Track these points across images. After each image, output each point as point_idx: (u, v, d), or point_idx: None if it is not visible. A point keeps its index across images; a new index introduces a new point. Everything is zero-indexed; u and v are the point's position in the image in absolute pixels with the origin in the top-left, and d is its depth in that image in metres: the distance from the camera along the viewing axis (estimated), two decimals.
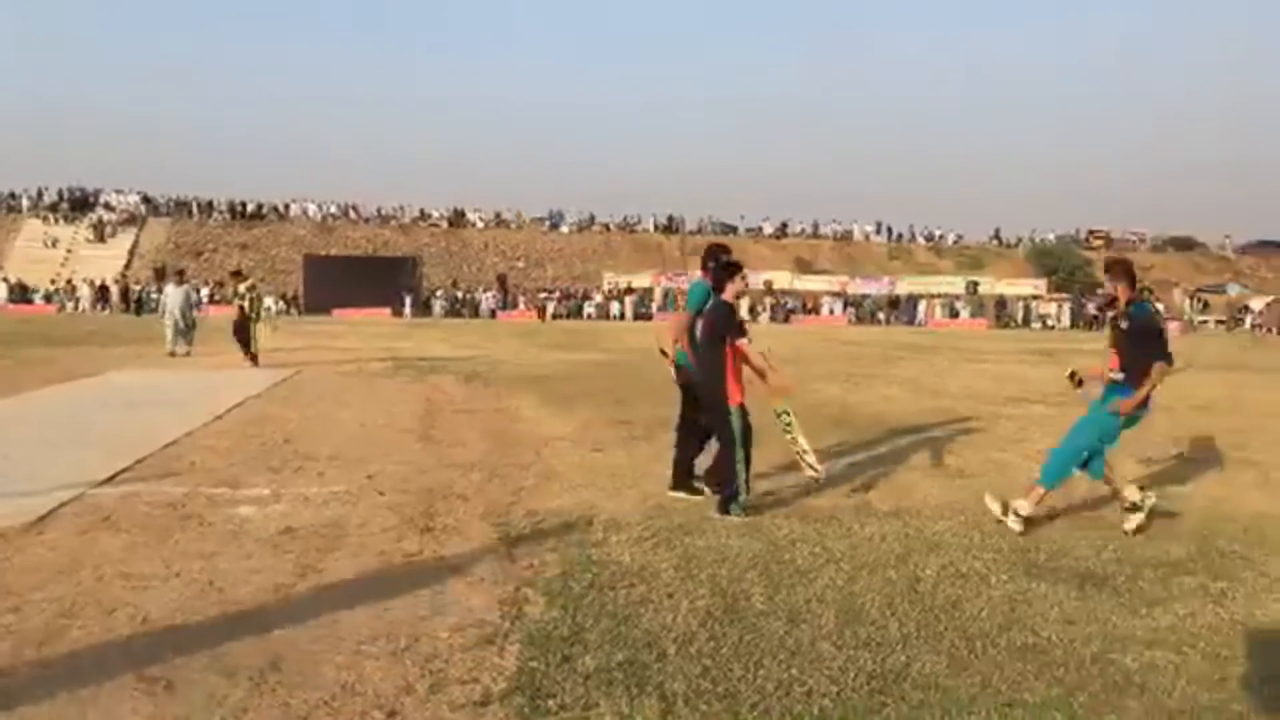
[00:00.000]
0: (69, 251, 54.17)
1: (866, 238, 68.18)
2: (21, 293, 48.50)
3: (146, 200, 60.32)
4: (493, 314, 51.84)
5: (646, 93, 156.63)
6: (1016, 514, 5.80)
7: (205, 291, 43.99)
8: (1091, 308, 50.34)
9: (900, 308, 56.46)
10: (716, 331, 6.17)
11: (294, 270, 53.40)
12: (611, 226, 66.30)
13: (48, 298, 48.90)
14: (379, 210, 63.67)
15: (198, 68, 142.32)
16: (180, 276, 21.63)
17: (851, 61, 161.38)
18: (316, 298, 49.71)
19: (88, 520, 5.77)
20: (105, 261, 53.13)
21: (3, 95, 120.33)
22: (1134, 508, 5.95)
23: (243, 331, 17.17)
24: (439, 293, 53.87)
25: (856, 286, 59.39)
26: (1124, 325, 5.95)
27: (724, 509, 6.13)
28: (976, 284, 59.43)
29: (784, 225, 67.10)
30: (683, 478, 6.78)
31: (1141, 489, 6.14)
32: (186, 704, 3.31)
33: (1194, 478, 7.94)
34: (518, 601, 4.44)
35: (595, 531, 5.74)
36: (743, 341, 6.13)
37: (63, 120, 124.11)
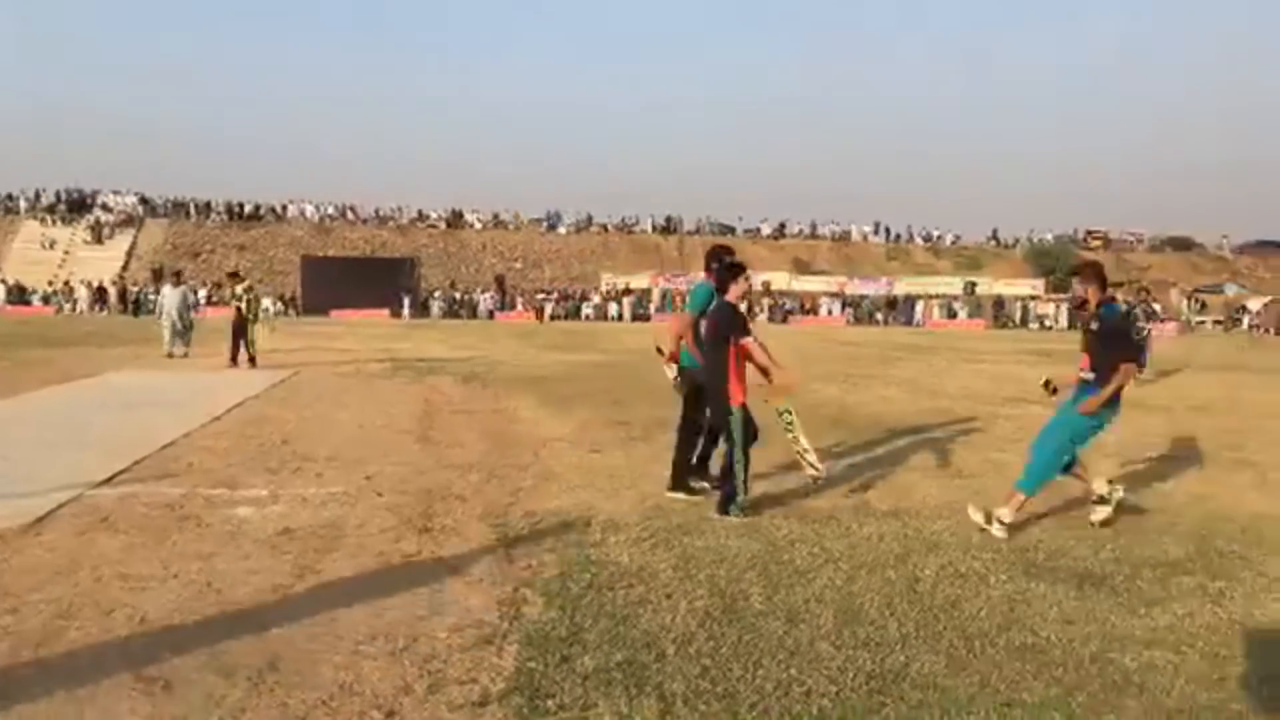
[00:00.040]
0: (66, 253, 54.10)
1: (864, 238, 68.21)
2: (19, 294, 48.47)
3: (144, 201, 60.28)
4: (491, 315, 51.82)
5: (646, 93, 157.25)
6: (1000, 522, 5.82)
7: (203, 293, 43.96)
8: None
9: (898, 308, 56.48)
10: (721, 332, 6.18)
11: (292, 271, 53.37)
12: (609, 227, 66.31)
13: (45, 299, 48.83)
14: (377, 211, 63.66)
15: (198, 68, 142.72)
16: (177, 278, 21.62)
17: (852, 61, 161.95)
18: (314, 299, 49.68)
19: (86, 521, 5.76)
20: (103, 263, 53.08)
21: (2, 95, 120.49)
22: (1101, 500, 6.05)
23: (239, 333, 17.18)
24: (437, 294, 53.84)
25: (854, 287, 59.40)
26: (1094, 326, 6.03)
27: (723, 509, 6.13)
28: (974, 284, 59.47)
29: (782, 226, 67.13)
30: (681, 478, 6.78)
31: (1110, 483, 6.18)
32: (184, 704, 3.31)
33: (1192, 478, 7.94)
34: (516, 602, 4.44)
35: (593, 532, 5.73)
36: (748, 340, 6.14)
37: (62, 120, 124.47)
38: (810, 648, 3.92)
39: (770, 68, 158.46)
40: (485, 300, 53.46)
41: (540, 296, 53.77)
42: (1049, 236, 68.46)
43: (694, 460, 6.90)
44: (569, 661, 3.71)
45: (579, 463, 8.06)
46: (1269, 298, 55.07)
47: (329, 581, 4.75)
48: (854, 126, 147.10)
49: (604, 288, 56.37)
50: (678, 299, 51.49)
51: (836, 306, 56.47)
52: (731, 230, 65.39)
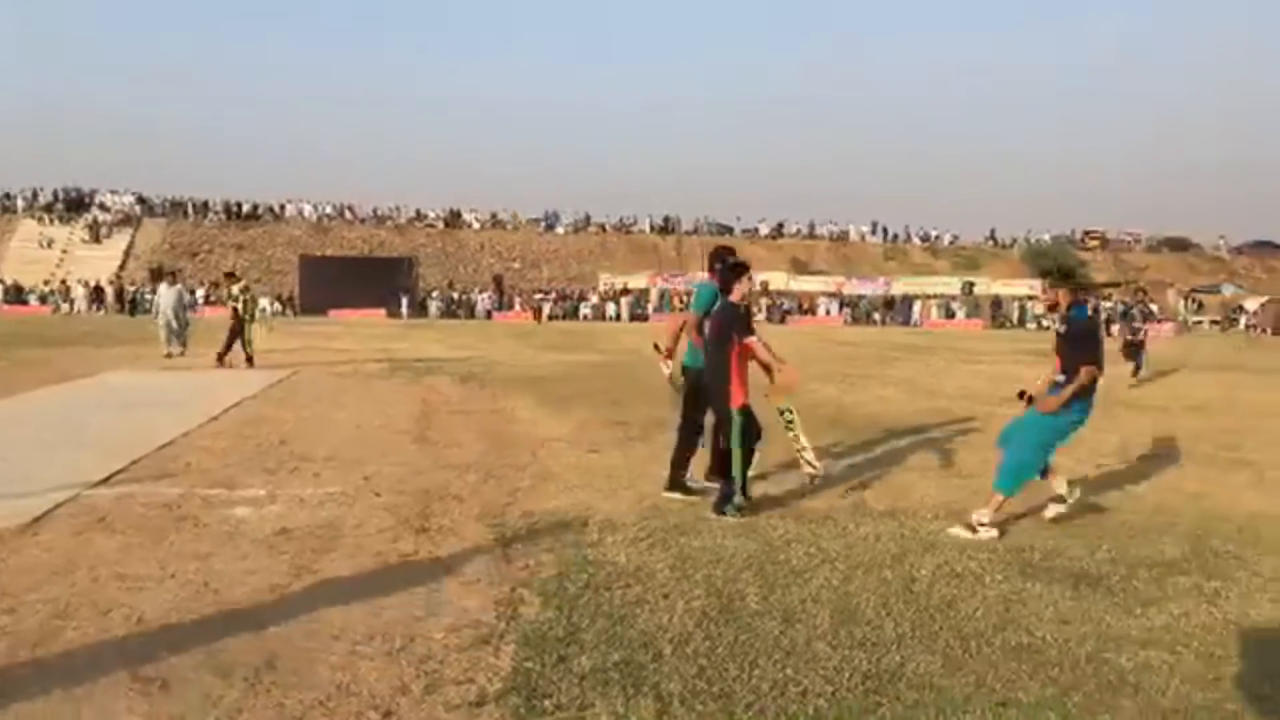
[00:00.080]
0: (64, 252, 54.04)
1: (862, 238, 68.23)
2: (16, 293, 48.41)
3: (141, 201, 60.22)
4: (489, 315, 51.78)
5: (646, 93, 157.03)
6: (981, 524, 5.85)
7: (200, 292, 43.94)
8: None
9: (896, 308, 56.48)
10: (724, 331, 6.19)
11: (290, 271, 53.31)
12: (608, 227, 66.30)
13: (42, 299, 48.75)
14: (375, 211, 63.63)
15: (198, 68, 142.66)
16: (173, 277, 21.54)
17: (851, 62, 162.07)
18: (312, 298, 49.60)
19: (83, 521, 5.76)
20: (100, 262, 53.01)
21: (2, 95, 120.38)
22: (1059, 499, 6.13)
23: (233, 337, 17.19)
24: (435, 293, 53.80)
25: (852, 287, 59.38)
26: (1062, 329, 6.13)
27: (719, 509, 6.14)
28: (972, 284, 59.46)
29: (780, 226, 67.15)
30: (679, 478, 6.79)
31: (1070, 483, 6.24)
32: (181, 704, 3.31)
33: (1188, 477, 7.95)
34: (513, 602, 4.44)
35: (591, 532, 5.74)
36: (751, 339, 6.17)
37: (62, 120, 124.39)
38: (806, 648, 3.93)
39: (770, 68, 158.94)
40: (483, 300, 53.42)
41: (538, 296, 53.74)
42: (1046, 237, 68.47)
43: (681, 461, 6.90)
44: (566, 661, 3.72)
45: (577, 463, 8.07)
46: (1266, 298, 55.09)
47: (326, 581, 4.75)
48: (853, 127, 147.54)
49: (602, 288, 56.35)
50: (675, 299, 51.55)
51: (834, 306, 56.46)
52: (729, 230, 65.41)
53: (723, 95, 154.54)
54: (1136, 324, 17.42)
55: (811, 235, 67.48)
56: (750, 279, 6.47)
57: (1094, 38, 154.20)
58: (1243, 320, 53.41)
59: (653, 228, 66.23)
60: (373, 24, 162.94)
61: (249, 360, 16.95)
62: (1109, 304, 51.31)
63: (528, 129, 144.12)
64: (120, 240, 56.37)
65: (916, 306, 56.31)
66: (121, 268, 53.46)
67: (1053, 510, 6.15)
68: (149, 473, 7.27)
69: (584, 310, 53.69)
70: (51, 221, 56.81)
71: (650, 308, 53.21)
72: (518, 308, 53.11)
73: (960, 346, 29.12)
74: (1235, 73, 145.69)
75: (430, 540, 5.55)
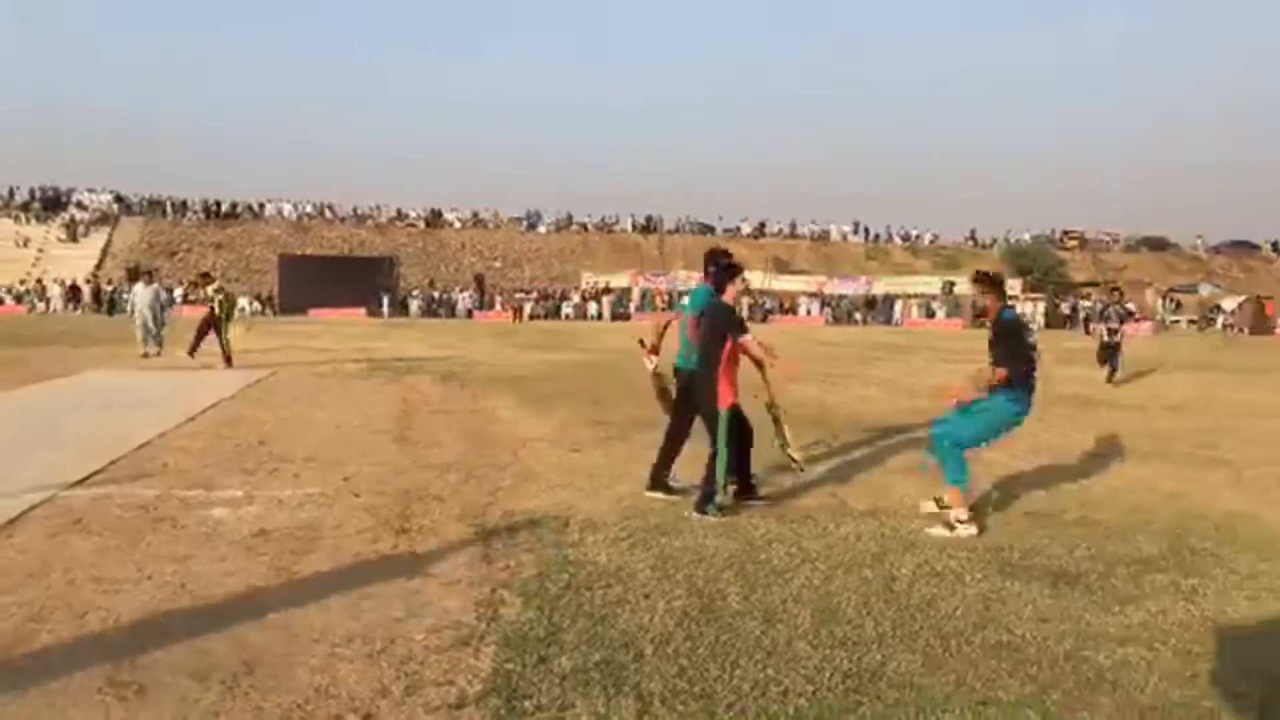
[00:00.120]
0: (40, 251, 53.57)
1: (844, 238, 68.50)
2: None
3: (119, 199, 59.74)
4: (469, 314, 51.68)
5: (647, 93, 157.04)
6: (959, 521, 5.90)
7: (179, 292, 43.61)
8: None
9: (877, 308, 56.67)
10: (718, 331, 6.22)
11: (269, 270, 53.02)
12: (589, 226, 66.30)
13: (18, 298, 48.24)
14: (355, 210, 63.37)
15: (197, 68, 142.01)
16: (150, 276, 21.36)
17: (851, 62, 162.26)
18: (292, 298, 49.34)
19: (59, 523, 5.70)
20: (77, 261, 52.51)
21: (2, 95, 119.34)
22: (939, 501, 6.21)
23: (203, 332, 17.15)
24: (416, 293, 53.65)
25: (834, 286, 59.52)
26: (991, 332, 6.25)
27: (701, 508, 6.14)
28: (953, 284, 59.60)
29: (762, 225, 67.31)
30: (661, 478, 6.79)
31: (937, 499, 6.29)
32: (158, 708, 3.28)
33: (1166, 476, 8.00)
34: (494, 603, 4.43)
35: (572, 532, 5.73)
36: (746, 338, 6.20)
37: (60, 120, 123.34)
38: (787, 647, 3.93)
39: (770, 68, 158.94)
40: (464, 299, 53.30)
41: (519, 296, 53.64)
42: (1026, 237, 68.88)
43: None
44: (546, 662, 3.71)
45: (558, 462, 8.05)
46: (1243, 297, 55.60)
47: (305, 583, 4.72)
48: (853, 127, 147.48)
49: (584, 287, 56.31)
50: (657, 298, 51.62)
51: (815, 306, 56.60)
52: (711, 230, 65.52)
53: (723, 95, 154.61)
54: (1113, 324, 17.42)
55: (793, 235, 67.68)
56: (744, 280, 6.60)
57: (1094, 38, 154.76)
58: (1220, 320, 53.89)
59: (635, 227, 66.29)
60: (373, 24, 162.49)
61: (227, 360, 16.82)
62: (1087, 303, 51.79)
63: (527, 129, 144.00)
64: (97, 239, 55.92)
65: (898, 306, 56.52)
66: (98, 267, 53.00)
67: (929, 507, 6.24)
68: (126, 473, 7.20)
69: (566, 309, 53.63)
70: (28, 220, 56.33)
71: (632, 307, 53.21)
72: (499, 307, 53.00)
73: (941, 346, 29.22)
74: (1235, 73, 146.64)
75: (410, 541, 5.52)
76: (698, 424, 6.54)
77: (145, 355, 18.44)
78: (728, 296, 6.36)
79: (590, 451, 8.59)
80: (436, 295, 53.66)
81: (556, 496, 6.73)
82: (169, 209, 59.74)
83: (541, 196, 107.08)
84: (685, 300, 6.95)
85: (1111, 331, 17.32)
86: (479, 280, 55.78)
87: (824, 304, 56.94)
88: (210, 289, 17.63)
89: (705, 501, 6.16)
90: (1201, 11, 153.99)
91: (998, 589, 4.79)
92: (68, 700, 3.32)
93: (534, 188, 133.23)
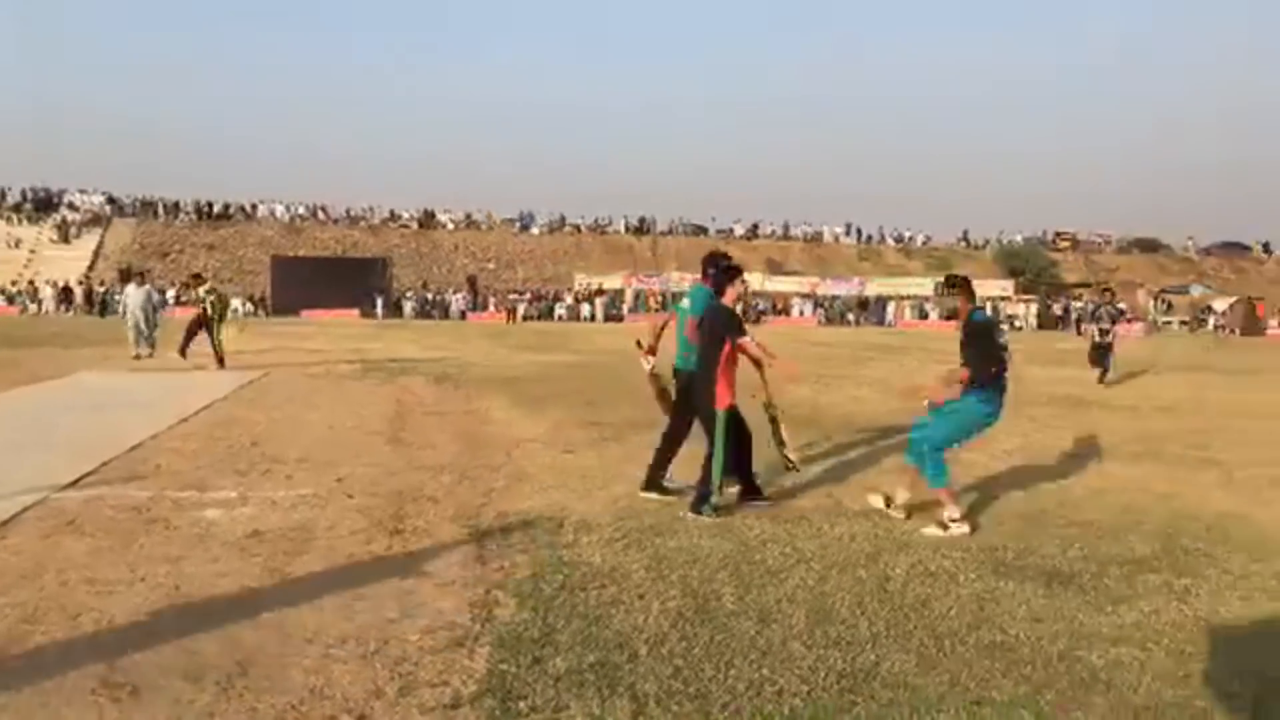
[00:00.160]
0: (32, 252, 53.35)
1: (836, 239, 68.59)
2: None
3: (111, 201, 59.58)
4: (463, 315, 51.63)
5: (647, 93, 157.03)
6: (952, 520, 5.92)
7: (170, 293, 43.49)
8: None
9: (869, 309, 56.81)
10: (717, 332, 6.22)
11: (262, 271, 52.93)
12: (582, 228, 66.28)
13: (10, 299, 48.05)
14: (348, 211, 63.28)
15: (197, 67, 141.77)
16: (141, 278, 21.30)
17: (851, 62, 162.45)
18: (285, 299, 49.25)
19: (51, 524, 5.68)
20: (69, 262, 52.35)
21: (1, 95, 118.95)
22: (888, 501, 6.33)
23: (192, 332, 17.17)
24: (409, 294, 53.59)
25: (826, 288, 59.65)
26: (962, 333, 6.31)
27: (696, 509, 6.15)
28: None
29: (755, 227, 67.37)
30: (656, 478, 6.79)
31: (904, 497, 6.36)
32: (152, 709, 3.27)
33: (1158, 477, 8.03)
34: (488, 604, 4.42)
35: (566, 533, 5.73)
36: (745, 339, 6.21)
37: (61, 120, 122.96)
38: (782, 647, 3.93)
39: (770, 68, 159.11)
40: (457, 301, 53.25)
41: (513, 297, 53.65)
42: (1018, 238, 69.08)
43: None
44: (541, 663, 3.70)
45: (552, 463, 8.05)
46: (1234, 298, 55.87)
47: (299, 584, 4.71)
48: (852, 127, 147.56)
49: (577, 288, 56.29)
50: (651, 299, 51.65)
51: (808, 307, 56.71)
52: (704, 231, 65.59)
53: (722, 95, 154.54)
54: (1105, 325, 17.41)
55: (786, 236, 67.75)
56: (744, 282, 6.59)
57: (1094, 38, 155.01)
58: (1211, 321, 54.12)
59: (628, 228, 66.26)
60: (373, 24, 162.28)
61: (220, 361, 16.78)
62: (1079, 304, 51.92)
63: (526, 129, 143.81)
64: (89, 240, 55.75)
65: (890, 307, 56.63)
66: (90, 268, 52.85)
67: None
68: (119, 475, 7.18)
69: (559, 311, 53.62)
70: (20, 221, 56.11)
71: (625, 308, 53.27)
72: (492, 308, 52.97)
73: (933, 347, 29.25)
74: (1235, 73, 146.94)
75: (404, 542, 5.51)
76: (697, 425, 6.55)
77: (137, 357, 18.37)
78: (727, 299, 6.36)
79: (584, 452, 8.59)
80: (430, 296, 53.60)
81: (550, 497, 6.72)
82: (161, 210, 59.57)
83: (538, 197, 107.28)
84: (685, 302, 6.94)
85: (1103, 332, 17.32)
86: (472, 281, 55.75)
87: (817, 305, 57.07)
88: (202, 290, 17.61)
89: (700, 502, 6.16)
90: (1201, 11, 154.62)
91: (991, 589, 4.80)
92: (61, 701, 3.31)
93: (531, 188, 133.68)
